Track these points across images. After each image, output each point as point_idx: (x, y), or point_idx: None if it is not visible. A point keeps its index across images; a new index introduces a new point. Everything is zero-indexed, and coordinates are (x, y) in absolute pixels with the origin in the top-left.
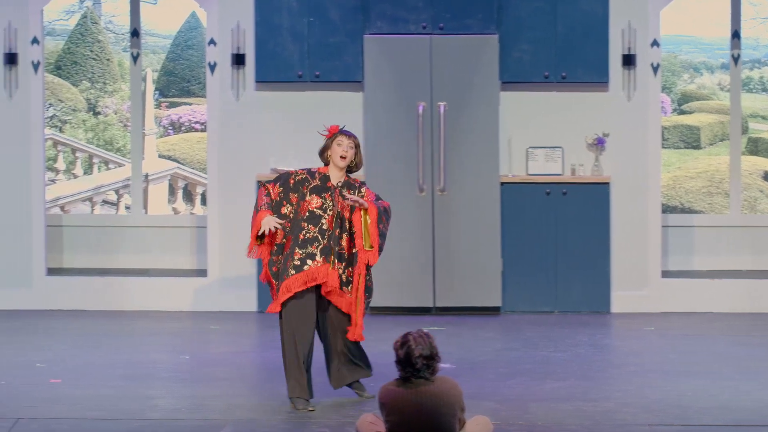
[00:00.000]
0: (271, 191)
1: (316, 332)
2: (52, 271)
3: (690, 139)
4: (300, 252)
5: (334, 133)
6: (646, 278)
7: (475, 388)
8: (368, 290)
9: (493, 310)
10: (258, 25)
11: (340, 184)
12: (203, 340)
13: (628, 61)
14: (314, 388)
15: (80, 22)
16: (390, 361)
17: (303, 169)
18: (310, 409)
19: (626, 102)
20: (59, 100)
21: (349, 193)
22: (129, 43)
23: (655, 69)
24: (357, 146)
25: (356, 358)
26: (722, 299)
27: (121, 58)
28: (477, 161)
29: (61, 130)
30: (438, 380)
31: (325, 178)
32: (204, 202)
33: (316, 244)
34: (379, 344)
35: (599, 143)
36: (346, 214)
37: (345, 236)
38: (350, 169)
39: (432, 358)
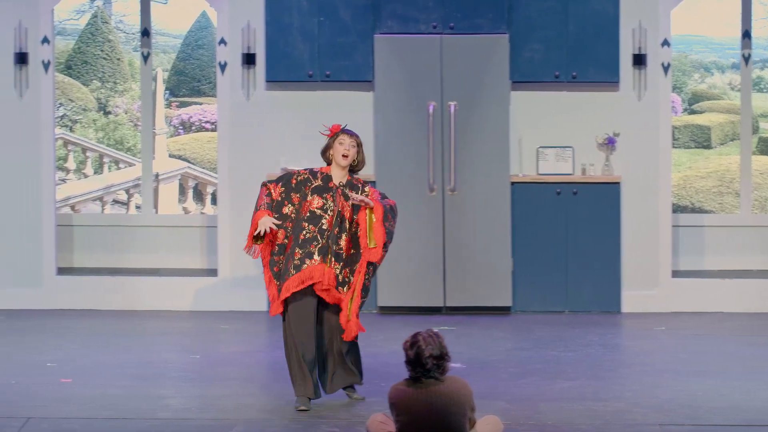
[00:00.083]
0: (273, 191)
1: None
2: (62, 271)
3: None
4: (300, 252)
5: (336, 132)
6: (656, 278)
7: (486, 388)
8: (365, 290)
9: (503, 310)
10: (268, 24)
11: (342, 184)
12: (213, 339)
13: (639, 60)
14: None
15: (91, 22)
16: (400, 361)
17: (305, 169)
18: (304, 408)
19: (637, 102)
20: (69, 99)
21: (352, 193)
22: (139, 43)
23: (666, 69)
24: (359, 145)
25: (352, 363)
26: (733, 299)
27: (132, 57)
28: (487, 161)
29: (71, 130)
30: (448, 380)
31: (327, 178)
32: (214, 201)
33: (315, 243)
34: (389, 344)
35: (610, 143)
36: (347, 214)
37: (345, 236)
38: (353, 169)
39: (442, 358)
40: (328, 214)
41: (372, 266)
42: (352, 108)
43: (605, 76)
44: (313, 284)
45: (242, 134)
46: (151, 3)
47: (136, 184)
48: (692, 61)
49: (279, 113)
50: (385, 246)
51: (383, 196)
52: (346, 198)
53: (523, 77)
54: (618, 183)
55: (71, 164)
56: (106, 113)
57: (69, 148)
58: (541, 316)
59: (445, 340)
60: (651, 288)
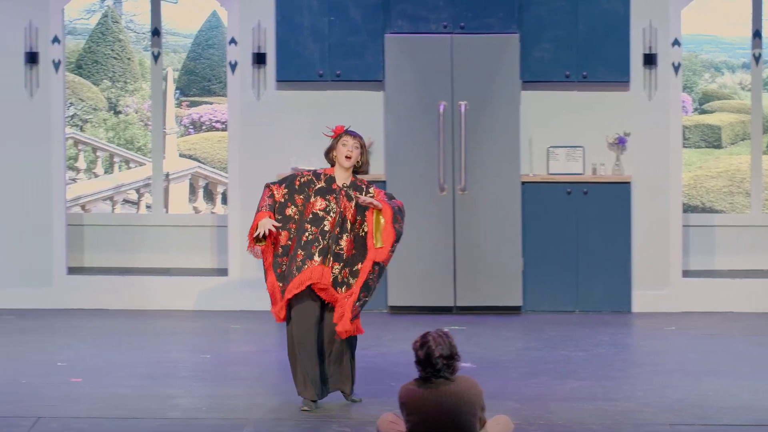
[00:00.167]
0: (276, 192)
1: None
2: (72, 270)
3: (711, 139)
4: (302, 253)
5: (339, 134)
6: (667, 278)
7: (496, 388)
8: (367, 288)
9: (514, 310)
10: (279, 24)
11: (346, 185)
12: (224, 339)
13: (649, 60)
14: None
15: (101, 22)
16: (410, 361)
17: (309, 171)
18: (306, 409)
19: (647, 101)
20: (80, 99)
21: (359, 196)
22: (150, 42)
23: (676, 68)
24: (363, 146)
25: (347, 368)
26: (743, 299)
27: (142, 57)
28: (498, 160)
29: (82, 129)
30: (458, 380)
31: (331, 180)
32: (225, 201)
33: (316, 245)
34: (399, 344)
35: (620, 143)
36: (350, 216)
37: (346, 237)
38: (357, 170)
39: (452, 358)
40: (331, 216)
41: (378, 266)
42: (363, 108)
43: (616, 76)
44: (312, 285)
45: (252, 134)
46: (162, 2)
47: (147, 183)
48: (703, 61)
49: (289, 113)
50: (393, 246)
51: (390, 197)
52: (350, 199)
53: (534, 77)
54: (628, 183)
55: (82, 164)
56: (117, 113)
57: (79, 148)
58: (552, 316)
59: (455, 340)
60: (661, 288)
